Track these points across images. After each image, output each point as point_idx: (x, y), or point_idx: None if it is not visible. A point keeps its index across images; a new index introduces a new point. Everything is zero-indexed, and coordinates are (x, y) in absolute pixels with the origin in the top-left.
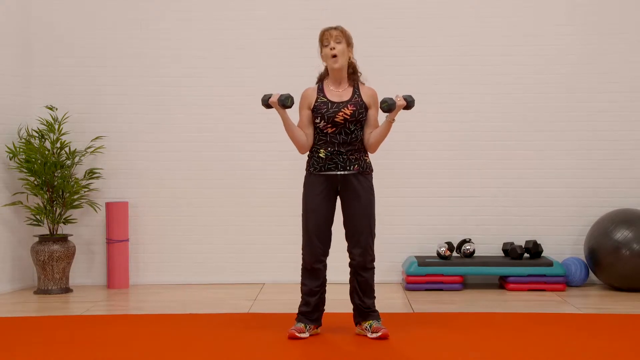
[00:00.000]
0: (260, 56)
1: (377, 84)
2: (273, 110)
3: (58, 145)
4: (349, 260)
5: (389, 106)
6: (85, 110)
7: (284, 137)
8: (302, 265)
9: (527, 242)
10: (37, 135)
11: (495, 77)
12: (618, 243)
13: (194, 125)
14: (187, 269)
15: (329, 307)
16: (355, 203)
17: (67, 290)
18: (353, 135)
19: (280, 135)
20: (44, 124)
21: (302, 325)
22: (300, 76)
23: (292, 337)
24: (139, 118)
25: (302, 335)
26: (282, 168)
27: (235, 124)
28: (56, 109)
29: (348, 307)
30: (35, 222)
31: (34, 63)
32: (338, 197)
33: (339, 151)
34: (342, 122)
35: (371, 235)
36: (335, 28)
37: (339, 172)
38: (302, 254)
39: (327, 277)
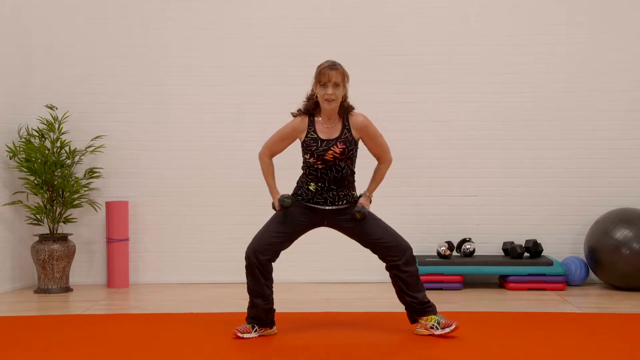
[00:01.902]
0: (260, 57)
1: (378, 84)
2: (272, 111)
3: (58, 144)
4: (385, 264)
5: (362, 215)
6: (85, 110)
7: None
8: (248, 262)
9: (527, 241)
10: (37, 134)
11: (495, 77)
12: (618, 242)
13: (194, 125)
14: (187, 268)
15: (329, 307)
16: (359, 222)
17: (67, 289)
18: (344, 172)
19: None
20: (44, 123)
21: (249, 325)
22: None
23: (236, 337)
24: (139, 118)
25: (247, 335)
26: (282, 168)
27: (235, 124)
28: (56, 109)
29: (349, 307)
30: (35, 222)
31: (34, 63)
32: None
33: (329, 187)
34: (332, 160)
35: (390, 231)
36: (336, 68)
37: (326, 207)
38: (250, 250)
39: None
